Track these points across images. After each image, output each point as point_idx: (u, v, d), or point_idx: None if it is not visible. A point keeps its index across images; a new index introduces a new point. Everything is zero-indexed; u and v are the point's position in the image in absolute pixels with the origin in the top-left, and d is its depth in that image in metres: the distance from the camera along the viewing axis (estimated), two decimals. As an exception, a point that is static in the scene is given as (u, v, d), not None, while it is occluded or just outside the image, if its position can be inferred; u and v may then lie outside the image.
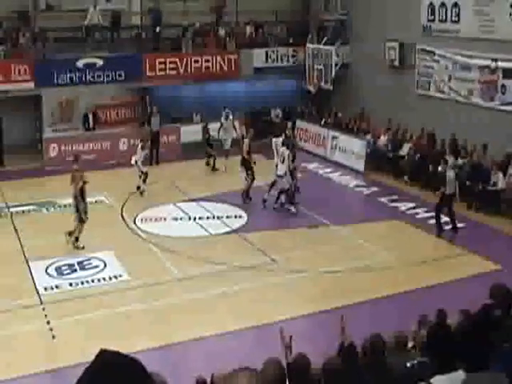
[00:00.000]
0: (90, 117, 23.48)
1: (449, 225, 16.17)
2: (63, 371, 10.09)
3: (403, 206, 18.47)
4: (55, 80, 22.97)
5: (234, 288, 13.31)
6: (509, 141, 17.81)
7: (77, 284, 13.55)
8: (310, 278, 13.86)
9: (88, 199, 15.44)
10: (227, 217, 17.60)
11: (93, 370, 1.95)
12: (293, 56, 26.59)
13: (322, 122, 24.97)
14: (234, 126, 23.24)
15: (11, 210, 17.99)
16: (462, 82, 20.23)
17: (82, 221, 15.06)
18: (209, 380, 5.84)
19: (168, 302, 12.73)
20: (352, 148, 22.52)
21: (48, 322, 11.76)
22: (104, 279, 13.76)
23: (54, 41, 23.83)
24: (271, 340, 10.68)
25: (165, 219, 17.49)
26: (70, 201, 15.57)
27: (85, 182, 15.00)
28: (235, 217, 17.60)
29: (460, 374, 4.44)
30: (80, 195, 15.04)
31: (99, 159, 22.35)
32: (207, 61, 25.12)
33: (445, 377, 4.61)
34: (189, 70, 24.87)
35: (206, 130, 22.60)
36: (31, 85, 22.67)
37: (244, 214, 17.76)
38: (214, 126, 22.57)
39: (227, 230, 16.74)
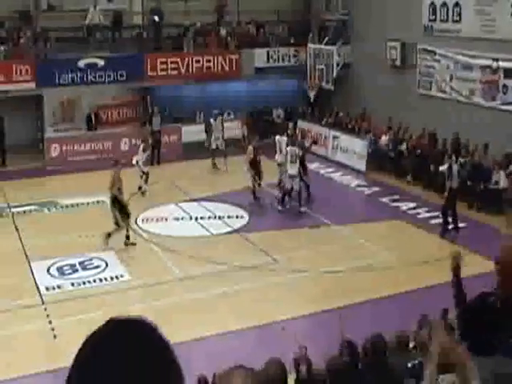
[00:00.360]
0: (92, 117, 23.49)
1: (451, 224, 16.16)
2: (64, 371, 9.95)
3: (404, 206, 18.45)
4: (57, 80, 22.97)
5: (235, 288, 13.32)
6: (509, 141, 17.79)
7: (78, 284, 13.58)
8: (311, 277, 13.86)
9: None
10: (228, 217, 17.60)
11: (99, 339, 1.53)
12: (294, 56, 26.56)
13: (323, 122, 24.98)
14: (223, 126, 22.69)
15: (13, 209, 17.98)
16: (464, 82, 20.21)
17: (128, 217, 15.23)
18: (210, 380, 5.85)
19: (169, 301, 12.75)
20: (353, 148, 22.50)
21: (50, 322, 11.78)
22: (105, 279, 13.78)
23: (56, 41, 23.83)
24: (273, 340, 10.79)
25: (166, 219, 17.50)
26: (108, 203, 15.61)
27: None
28: (236, 217, 17.60)
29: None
30: (120, 195, 15.19)
31: (100, 159, 22.33)
32: (208, 61, 25.08)
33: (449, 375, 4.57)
34: (190, 69, 24.85)
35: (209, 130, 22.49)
36: (32, 85, 22.68)
37: (245, 214, 17.77)
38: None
39: (228, 229, 16.74)
